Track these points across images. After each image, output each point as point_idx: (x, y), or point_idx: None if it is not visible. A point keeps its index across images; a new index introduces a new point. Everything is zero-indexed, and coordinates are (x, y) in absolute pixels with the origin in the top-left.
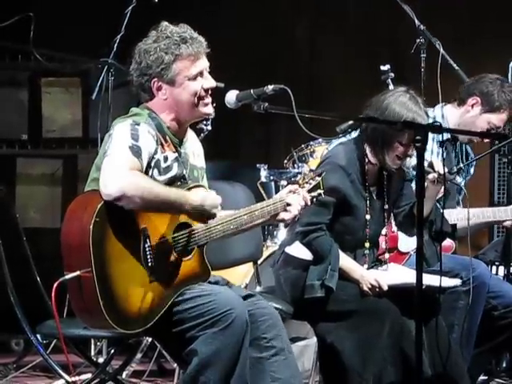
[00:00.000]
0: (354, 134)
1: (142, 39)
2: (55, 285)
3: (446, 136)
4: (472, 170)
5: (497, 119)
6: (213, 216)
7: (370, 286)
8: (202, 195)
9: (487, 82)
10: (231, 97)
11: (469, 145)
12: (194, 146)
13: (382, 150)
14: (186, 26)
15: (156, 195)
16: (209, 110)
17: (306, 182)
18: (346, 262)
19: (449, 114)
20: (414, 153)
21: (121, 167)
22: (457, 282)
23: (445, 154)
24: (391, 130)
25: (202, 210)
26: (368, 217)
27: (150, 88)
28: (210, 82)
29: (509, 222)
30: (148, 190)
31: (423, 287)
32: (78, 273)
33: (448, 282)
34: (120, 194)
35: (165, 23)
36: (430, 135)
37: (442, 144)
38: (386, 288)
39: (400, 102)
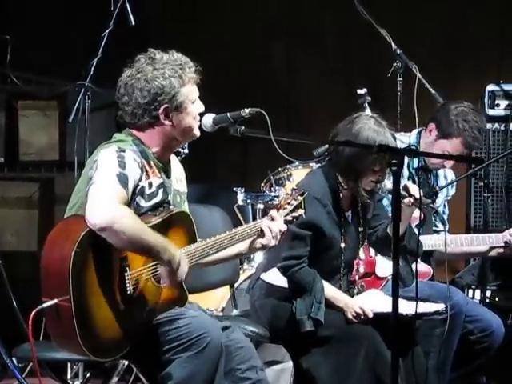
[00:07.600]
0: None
1: (126, 66)
2: (33, 313)
3: (420, 163)
4: (452, 191)
5: (450, 146)
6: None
7: (354, 314)
8: (177, 257)
9: (446, 110)
10: (208, 120)
11: (452, 169)
12: (177, 171)
13: (355, 180)
14: (175, 52)
15: (140, 236)
16: (198, 132)
17: (288, 203)
18: (329, 291)
19: (421, 139)
20: (388, 176)
21: (110, 198)
22: (440, 306)
23: (420, 179)
24: (364, 160)
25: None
26: (343, 245)
27: (158, 116)
28: (201, 105)
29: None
30: (135, 230)
31: (409, 315)
32: (55, 301)
33: (432, 307)
34: (106, 225)
35: (152, 50)
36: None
37: (417, 171)
38: (371, 315)
39: (369, 128)
